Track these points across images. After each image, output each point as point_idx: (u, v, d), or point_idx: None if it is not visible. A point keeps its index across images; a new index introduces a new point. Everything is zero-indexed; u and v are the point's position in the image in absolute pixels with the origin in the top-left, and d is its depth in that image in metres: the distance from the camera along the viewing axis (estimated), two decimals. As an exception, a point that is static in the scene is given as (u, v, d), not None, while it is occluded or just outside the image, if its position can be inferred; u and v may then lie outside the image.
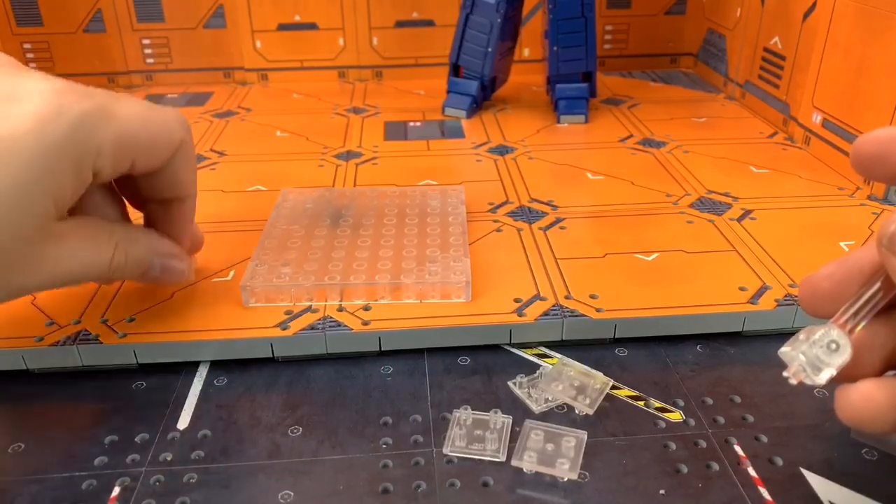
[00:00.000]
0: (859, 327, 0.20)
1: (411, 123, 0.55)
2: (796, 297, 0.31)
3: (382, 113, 0.57)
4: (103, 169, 0.25)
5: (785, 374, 0.20)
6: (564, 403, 0.27)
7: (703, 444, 0.25)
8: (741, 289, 0.32)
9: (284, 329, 0.30)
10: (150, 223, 0.31)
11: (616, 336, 0.31)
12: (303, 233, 0.36)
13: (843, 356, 0.19)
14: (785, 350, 0.20)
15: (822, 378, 0.19)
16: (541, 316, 0.30)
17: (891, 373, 0.21)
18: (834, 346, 0.19)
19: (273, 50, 0.65)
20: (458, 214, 0.37)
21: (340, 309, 0.31)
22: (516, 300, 0.31)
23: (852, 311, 0.20)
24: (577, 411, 0.27)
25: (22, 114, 0.22)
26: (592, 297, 0.32)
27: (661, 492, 0.23)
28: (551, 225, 0.38)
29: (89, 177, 0.25)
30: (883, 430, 0.19)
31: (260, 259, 0.33)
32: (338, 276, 0.32)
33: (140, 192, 0.30)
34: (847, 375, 0.20)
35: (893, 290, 0.20)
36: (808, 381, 0.20)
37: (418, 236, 0.35)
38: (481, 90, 0.56)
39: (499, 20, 0.52)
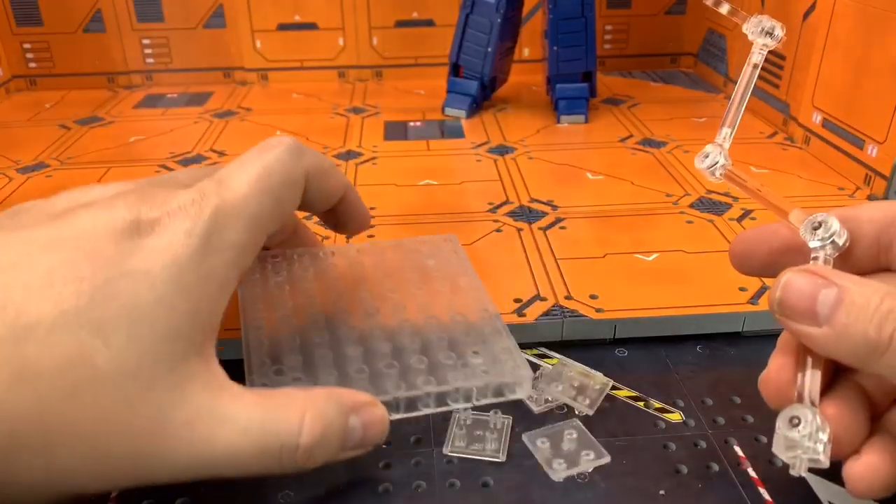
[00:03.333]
0: (817, 401, 0.20)
1: (411, 123, 0.55)
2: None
3: (382, 113, 0.57)
4: (243, 263, 0.22)
5: (792, 472, 0.20)
6: (564, 404, 0.27)
7: (703, 444, 0.25)
8: (741, 289, 0.32)
9: (284, 329, 0.29)
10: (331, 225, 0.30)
11: (616, 336, 0.31)
12: (295, 321, 0.28)
13: (825, 431, 0.19)
14: (781, 455, 0.20)
15: (822, 457, 0.19)
16: (541, 316, 0.30)
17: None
18: (801, 423, 0.20)
19: (273, 50, 0.65)
20: (466, 268, 0.31)
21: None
22: (516, 300, 0.31)
23: (805, 391, 0.20)
24: (576, 412, 0.27)
25: (153, 245, 0.20)
26: (592, 297, 0.32)
27: (661, 492, 0.23)
28: (551, 225, 0.38)
29: (232, 280, 0.22)
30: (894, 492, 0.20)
31: (257, 359, 0.26)
32: (364, 384, 0.25)
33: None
34: (845, 449, 0.20)
35: (821, 358, 0.21)
36: (815, 465, 0.20)
37: (438, 316, 0.28)
38: (481, 90, 0.56)
39: (499, 20, 0.52)
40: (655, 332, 0.31)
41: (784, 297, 0.20)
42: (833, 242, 0.21)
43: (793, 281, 0.20)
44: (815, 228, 0.22)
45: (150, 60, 0.64)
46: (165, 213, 0.21)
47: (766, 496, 0.23)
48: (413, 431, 0.26)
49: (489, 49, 0.54)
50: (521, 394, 0.26)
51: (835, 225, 0.22)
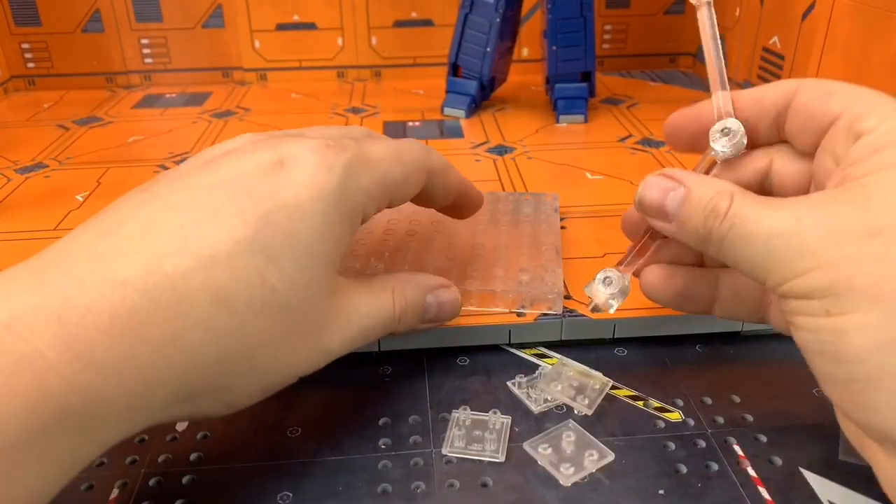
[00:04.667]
0: (632, 269, 0.27)
1: (410, 123, 0.55)
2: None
3: (381, 113, 0.57)
4: (368, 211, 0.25)
5: (588, 306, 0.27)
6: (563, 404, 0.27)
7: (703, 443, 0.25)
8: (740, 288, 0.32)
9: (283, 329, 0.29)
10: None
11: (615, 336, 0.31)
12: (396, 231, 0.35)
13: (623, 292, 0.26)
14: (589, 294, 0.27)
15: (612, 309, 0.26)
16: (540, 316, 0.30)
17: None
18: (609, 281, 0.26)
19: (272, 50, 0.64)
20: (552, 223, 0.36)
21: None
22: (515, 300, 0.31)
23: (627, 259, 0.27)
24: (576, 411, 0.27)
25: (299, 178, 0.23)
26: (592, 296, 0.32)
27: (661, 492, 0.23)
28: (550, 225, 0.38)
29: (359, 222, 0.25)
30: (670, 301, 0.27)
31: (350, 252, 0.33)
32: None
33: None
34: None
35: (656, 239, 0.26)
36: (609, 310, 0.26)
37: (509, 245, 0.34)
38: (480, 90, 0.56)
39: (498, 20, 0.52)
40: (655, 331, 0.31)
41: (641, 196, 0.24)
42: (727, 152, 0.25)
43: (649, 183, 0.24)
44: (723, 132, 0.25)
45: (148, 60, 0.64)
46: (306, 148, 0.23)
47: (766, 496, 0.23)
48: (412, 432, 0.26)
49: (488, 49, 0.54)
50: (552, 308, 0.31)
51: (740, 143, 0.25)
